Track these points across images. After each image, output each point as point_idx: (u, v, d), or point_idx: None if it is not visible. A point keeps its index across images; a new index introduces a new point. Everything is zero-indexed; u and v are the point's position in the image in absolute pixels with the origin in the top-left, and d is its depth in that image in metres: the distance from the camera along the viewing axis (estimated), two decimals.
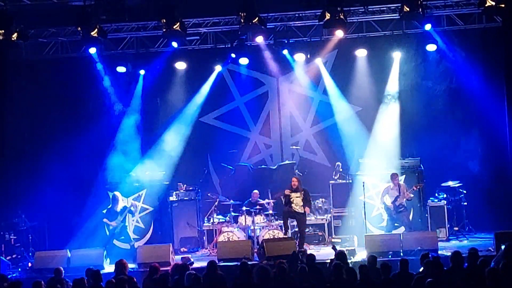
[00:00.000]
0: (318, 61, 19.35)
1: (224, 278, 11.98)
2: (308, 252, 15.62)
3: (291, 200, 16.67)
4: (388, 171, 17.44)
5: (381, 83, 19.09)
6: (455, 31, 18.07)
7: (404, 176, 17.47)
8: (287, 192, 16.73)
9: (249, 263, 13.21)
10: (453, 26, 17.92)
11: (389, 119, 18.91)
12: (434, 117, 18.83)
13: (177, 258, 15.98)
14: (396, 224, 16.94)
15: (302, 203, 16.66)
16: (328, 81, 19.66)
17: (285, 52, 18.60)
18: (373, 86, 19.17)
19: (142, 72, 19.19)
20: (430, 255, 12.06)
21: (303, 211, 16.73)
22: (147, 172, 18.52)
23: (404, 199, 16.74)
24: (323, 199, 18.56)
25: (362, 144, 19.14)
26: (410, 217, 17.34)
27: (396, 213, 16.69)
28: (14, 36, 15.58)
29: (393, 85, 18.84)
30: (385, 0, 17.01)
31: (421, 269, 11.40)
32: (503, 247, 13.20)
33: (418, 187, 17.01)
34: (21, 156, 18.83)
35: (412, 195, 16.91)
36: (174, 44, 18.08)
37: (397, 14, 16.33)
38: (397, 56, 18.57)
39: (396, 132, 18.77)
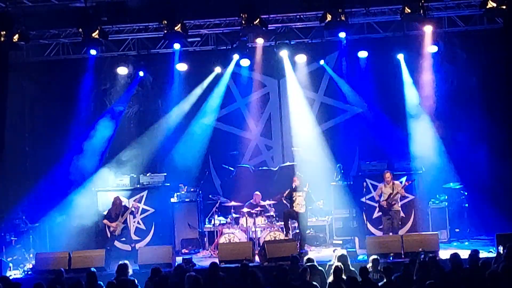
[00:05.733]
0: (320, 62, 19.36)
1: (225, 279, 12.00)
2: (309, 253, 15.68)
3: (294, 199, 16.69)
4: (389, 172, 17.42)
5: (382, 84, 19.08)
6: (456, 32, 18.06)
7: (405, 177, 17.44)
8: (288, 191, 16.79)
9: (250, 264, 13.22)
10: (454, 28, 17.91)
11: (390, 120, 18.96)
12: (435, 118, 18.80)
13: (178, 260, 15.97)
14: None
15: (304, 202, 16.69)
16: (329, 83, 19.69)
17: (286, 53, 18.59)
18: (374, 88, 19.15)
19: (141, 73, 19.20)
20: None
21: (304, 211, 16.74)
22: (148, 174, 18.55)
23: (398, 196, 16.71)
24: (324, 201, 18.54)
25: (363, 145, 19.18)
26: (412, 218, 17.34)
27: (389, 210, 16.66)
28: (16, 37, 15.61)
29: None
30: (386, 2, 16.99)
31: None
32: (500, 248, 13.26)
33: (409, 182, 16.98)
34: (21, 157, 18.85)
35: (403, 192, 16.82)
36: (176, 46, 18.06)
37: (399, 16, 16.32)
38: (401, 58, 18.58)
39: (397, 133, 18.82)
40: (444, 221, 17.52)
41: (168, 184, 18.58)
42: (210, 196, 18.57)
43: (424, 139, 18.59)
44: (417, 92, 18.88)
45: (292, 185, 16.84)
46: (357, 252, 15.74)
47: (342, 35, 17.14)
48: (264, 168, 19.70)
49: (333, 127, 19.86)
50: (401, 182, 17.07)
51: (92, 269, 12.70)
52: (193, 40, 18.53)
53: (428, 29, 17.33)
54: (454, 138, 18.63)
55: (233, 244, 16.54)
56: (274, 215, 17.54)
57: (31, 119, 19.26)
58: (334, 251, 14.81)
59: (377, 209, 17.08)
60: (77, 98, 19.25)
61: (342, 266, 11.66)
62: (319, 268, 12.48)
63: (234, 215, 17.67)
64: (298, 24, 17.98)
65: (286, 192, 16.83)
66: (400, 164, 17.83)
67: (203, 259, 16.90)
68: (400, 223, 16.84)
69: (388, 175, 16.80)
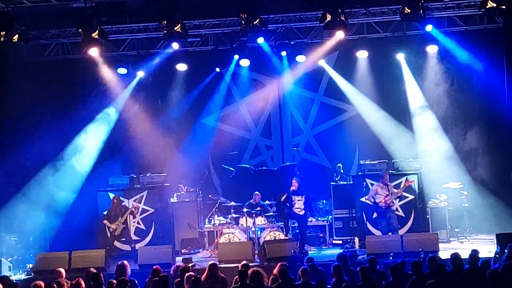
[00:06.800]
0: (320, 63, 19.37)
1: (224, 280, 11.99)
2: (309, 253, 15.67)
3: (293, 202, 16.77)
4: (389, 172, 17.42)
5: (382, 84, 19.10)
6: (456, 32, 18.05)
7: (405, 177, 17.45)
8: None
9: (250, 264, 13.22)
10: (454, 28, 17.91)
11: (389, 120, 18.99)
12: (435, 119, 18.80)
13: (178, 260, 15.97)
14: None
15: (303, 207, 16.74)
16: (329, 83, 19.71)
17: (286, 53, 18.59)
18: (374, 87, 19.17)
19: (140, 73, 19.18)
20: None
21: (304, 213, 16.80)
22: (148, 174, 18.55)
23: (394, 197, 16.72)
24: (324, 201, 18.57)
25: (363, 145, 19.19)
26: (411, 219, 17.35)
27: (388, 211, 16.67)
28: (15, 37, 15.56)
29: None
30: (386, 2, 16.98)
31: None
32: (498, 248, 13.27)
33: (410, 183, 17.02)
34: (21, 157, 18.83)
35: (402, 192, 16.86)
36: (175, 46, 18.06)
37: (398, 16, 16.31)
38: (401, 58, 18.58)
39: (397, 133, 18.84)
40: (444, 221, 17.51)
41: (168, 184, 18.59)
42: (210, 196, 18.56)
43: (424, 139, 18.63)
44: (417, 92, 18.90)
45: (290, 189, 16.87)
46: (357, 252, 15.74)
47: (341, 35, 17.14)
48: (264, 168, 19.70)
49: (333, 126, 19.88)
50: (400, 183, 17.10)
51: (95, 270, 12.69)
52: (192, 40, 18.52)
53: (428, 29, 17.33)
54: (454, 138, 18.64)
55: (233, 244, 16.54)
56: (274, 215, 17.54)
57: (31, 119, 19.24)
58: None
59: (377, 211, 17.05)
60: (77, 98, 19.26)
61: (342, 266, 11.66)
62: (319, 268, 12.48)
63: (234, 215, 17.66)
64: (298, 24, 17.98)
65: (283, 196, 16.86)
66: (400, 164, 17.84)
67: (203, 259, 16.90)
68: (398, 222, 16.84)
69: (387, 177, 16.79)
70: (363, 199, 17.41)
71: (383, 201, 16.57)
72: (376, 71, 19.03)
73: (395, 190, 16.72)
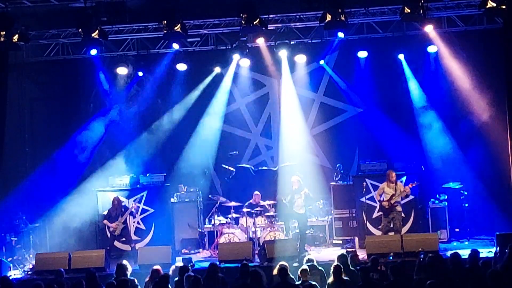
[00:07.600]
0: (319, 63, 19.38)
1: (224, 280, 12.00)
2: (309, 253, 15.66)
3: (293, 201, 16.76)
4: (394, 171, 17.42)
5: (382, 84, 19.10)
6: (456, 32, 18.07)
7: (405, 177, 17.46)
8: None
9: (250, 264, 13.23)
10: (453, 28, 17.92)
11: (389, 120, 18.99)
12: (434, 118, 18.80)
13: (178, 260, 15.98)
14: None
15: (303, 204, 16.73)
16: (329, 83, 19.71)
17: (286, 53, 18.59)
18: (374, 88, 19.16)
19: (140, 73, 19.19)
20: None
21: (304, 212, 16.80)
22: (148, 174, 18.56)
23: (399, 197, 16.70)
24: (324, 201, 18.56)
25: (363, 145, 19.19)
26: (411, 218, 17.35)
27: (391, 211, 16.64)
28: (15, 37, 15.60)
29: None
30: (386, 2, 16.99)
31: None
32: (498, 249, 13.28)
33: (415, 184, 17.02)
34: (21, 157, 18.86)
35: (409, 192, 16.84)
36: (175, 46, 18.07)
37: (398, 16, 16.32)
38: (401, 58, 18.58)
39: (397, 133, 18.84)
40: (444, 221, 17.51)
41: (168, 184, 18.60)
42: (210, 196, 18.59)
43: (423, 139, 18.62)
44: (417, 92, 18.90)
45: (292, 188, 16.87)
46: (357, 252, 15.73)
47: (341, 35, 17.16)
48: (264, 168, 19.69)
49: (333, 127, 19.86)
50: (401, 182, 17.09)
51: (92, 270, 12.70)
52: (193, 40, 18.52)
53: (428, 29, 17.34)
54: (453, 138, 18.63)
55: (233, 244, 16.55)
56: (274, 215, 17.54)
57: (31, 119, 19.25)
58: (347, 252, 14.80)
59: (377, 209, 17.08)
60: (77, 98, 19.29)
61: (342, 266, 11.66)
62: (319, 268, 12.49)
63: (234, 215, 17.68)
64: (298, 24, 17.97)
65: (288, 197, 16.84)
66: (400, 164, 17.84)
67: (203, 259, 16.91)
68: (401, 223, 16.82)
69: (393, 174, 16.75)
70: (363, 199, 17.41)
71: (387, 201, 16.52)
72: (376, 71, 19.00)
73: (402, 190, 16.65)
